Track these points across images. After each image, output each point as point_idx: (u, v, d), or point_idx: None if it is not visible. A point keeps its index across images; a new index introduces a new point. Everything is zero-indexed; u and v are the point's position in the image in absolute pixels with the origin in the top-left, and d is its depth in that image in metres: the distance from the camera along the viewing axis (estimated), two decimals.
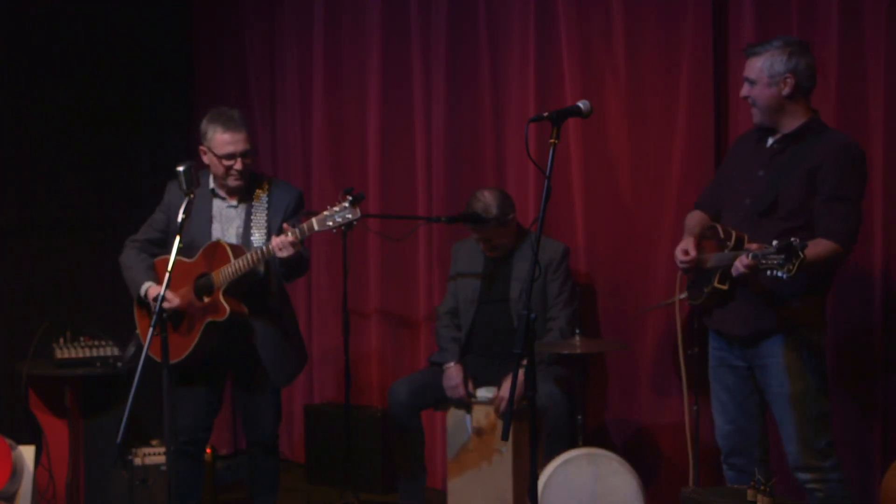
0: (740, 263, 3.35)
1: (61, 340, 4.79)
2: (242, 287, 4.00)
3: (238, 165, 4.09)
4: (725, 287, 3.51)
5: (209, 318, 4.00)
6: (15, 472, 4.36)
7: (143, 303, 4.13)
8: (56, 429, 4.76)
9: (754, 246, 3.38)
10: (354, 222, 3.82)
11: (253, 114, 5.90)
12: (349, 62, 5.48)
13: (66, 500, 4.74)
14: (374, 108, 5.37)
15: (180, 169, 3.67)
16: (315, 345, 5.66)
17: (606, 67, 4.64)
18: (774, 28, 4.18)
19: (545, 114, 3.11)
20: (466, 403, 4.48)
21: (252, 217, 4.14)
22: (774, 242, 3.21)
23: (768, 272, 3.23)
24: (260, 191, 4.17)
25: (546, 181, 3.00)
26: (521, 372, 3.52)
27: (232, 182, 4.12)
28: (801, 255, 3.13)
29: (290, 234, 3.85)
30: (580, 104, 3.15)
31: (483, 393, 4.48)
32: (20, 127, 5.28)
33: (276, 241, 3.86)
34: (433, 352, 4.80)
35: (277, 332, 4.18)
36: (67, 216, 5.42)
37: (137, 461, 4.68)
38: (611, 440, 4.70)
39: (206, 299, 4.02)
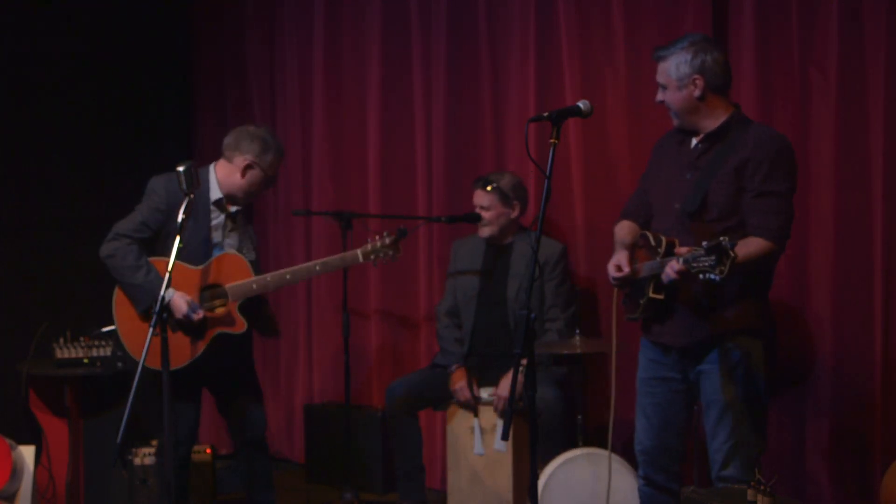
0: (671, 269, 3.21)
1: (61, 340, 4.79)
2: (251, 304, 4.09)
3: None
4: (661, 296, 3.37)
5: (222, 329, 4.02)
6: (15, 472, 4.35)
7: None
8: (56, 429, 4.76)
9: (684, 250, 3.23)
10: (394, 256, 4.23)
11: (253, 114, 5.90)
12: (349, 62, 5.48)
13: (66, 500, 4.74)
14: (374, 108, 5.37)
15: (180, 169, 3.67)
16: (315, 345, 5.66)
17: (606, 67, 4.64)
18: (774, 28, 4.18)
19: (545, 114, 3.10)
20: (472, 406, 4.48)
21: (246, 230, 4.23)
22: (704, 244, 3.08)
23: (700, 276, 3.11)
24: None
25: (546, 181, 2.99)
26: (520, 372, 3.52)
27: (251, 200, 4.26)
28: (733, 255, 3.01)
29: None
30: (580, 104, 3.14)
31: (485, 394, 4.48)
32: (20, 127, 5.28)
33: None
34: (435, 352, 4.80)
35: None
36: (67, 216, 5.41)
37: (137, 461, 4.68)
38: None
39: (217, 310, 4.04)
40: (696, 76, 3.35)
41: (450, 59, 5.11)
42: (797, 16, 4.16)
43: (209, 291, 4.06)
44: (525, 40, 4.85)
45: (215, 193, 4.12)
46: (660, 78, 3.43)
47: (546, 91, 4.80)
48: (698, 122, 3.42)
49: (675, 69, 3.37)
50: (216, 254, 4.08)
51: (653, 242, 3.41)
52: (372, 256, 4.17)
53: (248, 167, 4.11)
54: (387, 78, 5.33)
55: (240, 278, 4.03)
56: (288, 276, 4.11)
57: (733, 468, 3.39)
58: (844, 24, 4.05)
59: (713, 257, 3.05)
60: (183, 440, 4.13)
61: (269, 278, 4.05)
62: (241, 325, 4.02)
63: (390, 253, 4.20)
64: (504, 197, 4.52)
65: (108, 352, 4.74)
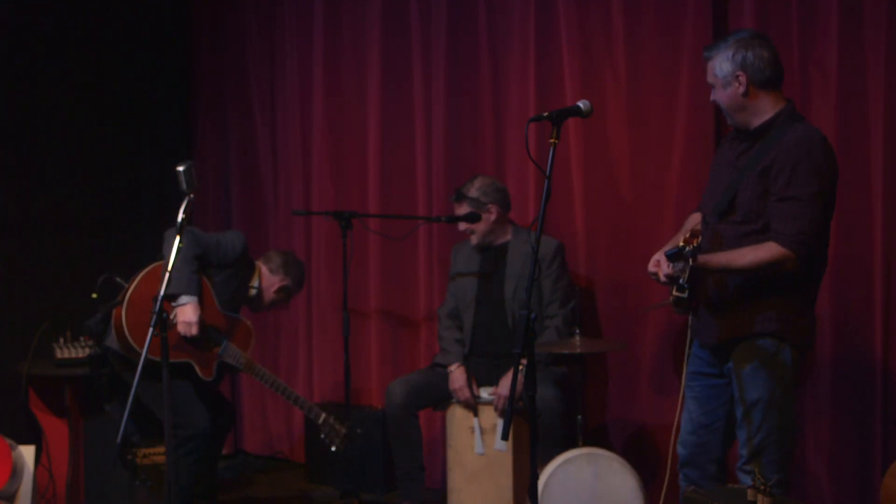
0: (661, 272, 3.30)
1: (61, 340, 4.79)
2: (225, 369, 4.48)
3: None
4: (683, 294, 3.35)
5: (194, 361, 4.28)
6: (15, 472, 4.36)
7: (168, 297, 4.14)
8: (56, 429, 4.76)
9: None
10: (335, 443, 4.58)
11: (253, 114, 5.90)
12: (349, 62, 5.48)
13: (66, 500, 4.74)
14: (374, 108, 5.37)
15: (180, 169, 3.66)
16: (315, 345, 5.66)
17: (606, 67, 4.64)
18: (774, 28, 4.18)
19: (545, 114, 3.09)
20: (472, 406, 4.48)
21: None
22: (666, 252, 3.18)
23: (680, 280, 3.18)
24: None
25: (546, 181, 2.99)
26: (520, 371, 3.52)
27: (265, 311, 4.81)
28: (690, 263, 3.08)
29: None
30: (580, 104, 3.14)
31: (485, 393, 4.48)
32: (20, 127, 5.28)
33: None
34: (435, 352, 4.80)
35: None
36: (67, 216, 5.41)
37: (138, 461, 4.67)
38: (611, 440, 4.70)
39: (208, 347, 4.33)
40: (738, 73, 3.31)
41: (450, 59, 5.11)
42: (797, 15, 4.16)
43: (215, 336, 4.34)
44: (525, 40, 4.85)
45: (255, 283, 4.61)
46: (708, 77, 3.41)
47: (546, 91, 4.80)
48: (747, 119, 3.37)
49: (719, 67, 3.34)
50: None
51: (680, 242, 3.41)
52: (326, 430, 4.54)
53: (283, 288, 4.67)
54: (387, 78, 5.33)
55: (240, 345, 4.42)
56: (271, 385, 4.47)
57: (754, 465, 3.35)
58: (844, 24, 4.05)
59: (680, 263, 3.12)
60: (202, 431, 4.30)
61: (258, 367, 4.45)
62: (208, 374, 4.35)
63: (337, 442, 4.55)
64: (476, 204, 4.52)
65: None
